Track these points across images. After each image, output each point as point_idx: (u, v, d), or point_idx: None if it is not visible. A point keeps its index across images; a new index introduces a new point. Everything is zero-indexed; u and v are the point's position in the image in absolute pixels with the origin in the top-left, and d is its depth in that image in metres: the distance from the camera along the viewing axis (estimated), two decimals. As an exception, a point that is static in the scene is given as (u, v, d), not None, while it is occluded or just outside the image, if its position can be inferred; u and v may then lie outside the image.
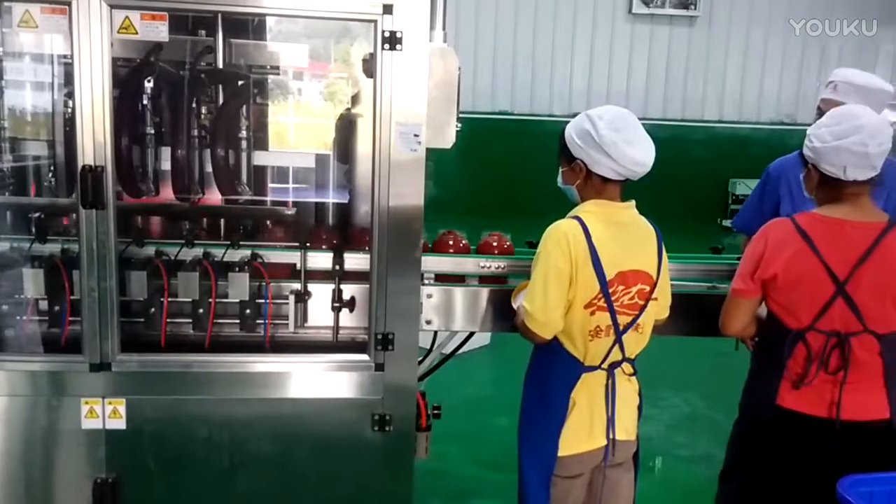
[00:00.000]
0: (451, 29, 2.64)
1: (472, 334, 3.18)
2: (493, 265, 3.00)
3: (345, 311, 2.89)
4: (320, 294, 2.91)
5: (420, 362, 2.97)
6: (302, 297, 2.88)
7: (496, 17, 12.81)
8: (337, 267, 2.85)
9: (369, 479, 2.76)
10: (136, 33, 2.45)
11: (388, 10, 2.45)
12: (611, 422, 2.52)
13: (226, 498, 2.76)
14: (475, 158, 10.64)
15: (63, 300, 2.76)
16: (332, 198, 3.26)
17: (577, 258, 2.40)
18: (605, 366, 2.51)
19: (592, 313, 2.44)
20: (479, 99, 12.50)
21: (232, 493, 2.74)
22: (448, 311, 2.98)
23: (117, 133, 2.53)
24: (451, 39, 2.70)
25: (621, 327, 2.48)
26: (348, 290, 2.90)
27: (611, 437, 2.53)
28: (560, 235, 2.43)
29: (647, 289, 2.51)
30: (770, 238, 2.52)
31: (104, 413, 2.62)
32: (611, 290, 2.44)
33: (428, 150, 2.58)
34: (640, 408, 2.68)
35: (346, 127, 3.16)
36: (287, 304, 2.85)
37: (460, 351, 3.35)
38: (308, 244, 2.91)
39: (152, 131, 2.87)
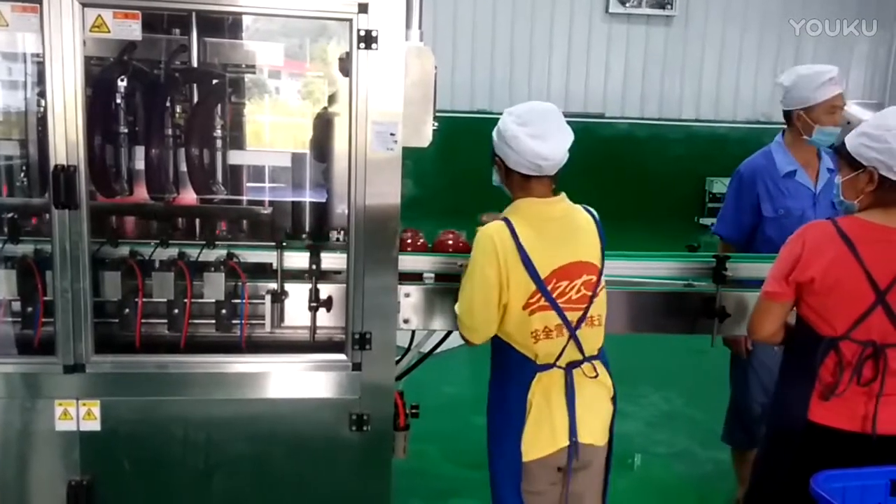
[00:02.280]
0: (429, 27, 2.64)
1: (450, 333, 3.18)
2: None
3: (322, 310, 2.87)
4: (297, 294, 2.90)
5: (398, 361, 2.97)
6: (278, 296, 2.86)
7: (474, 16, 12.83)
8: (314, 266, 2.83)
9: (347, 480, 2.75)
10: (109, 32, 2.43)
11: (363, 8, 2.45)
12: (572, 423, 2.46)
13: (202, 499, 2.74)
14: (454, 157, 10.61)
15: (36, 301, 2.72)
16: (308, 197, 3.25)
17: (507, 261, 2.40)
18: (560, 364, 2.48)
19: (532, 313, 2.43)
20: (457, 98, 12.52)
21: (208, 494, 2.73)
22: (426, 310, 2.97)
23: (90, 132, 2.50)
24: (429, 38, 2.70)
25: (573, 324, 2.46)
26: (325, 290, 2.89)
27: (573, 440, 2.46)
28: (486, 241, 2.44)
29: (594, 278, 2.49)
30: (808, 239, 2.39)
31: (78, 415, 2.60)
32: (551, 287, 2.42)
33: (405, 148, 2.57)
34: (614, 414, 2.62)
35: (323, 126, 3.15)
36: (263, 303, 2.84)
37: (439, 350, 3.35)
38: (284, 243, 2.89)
39: (126, 130, 2.84)
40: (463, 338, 2.59)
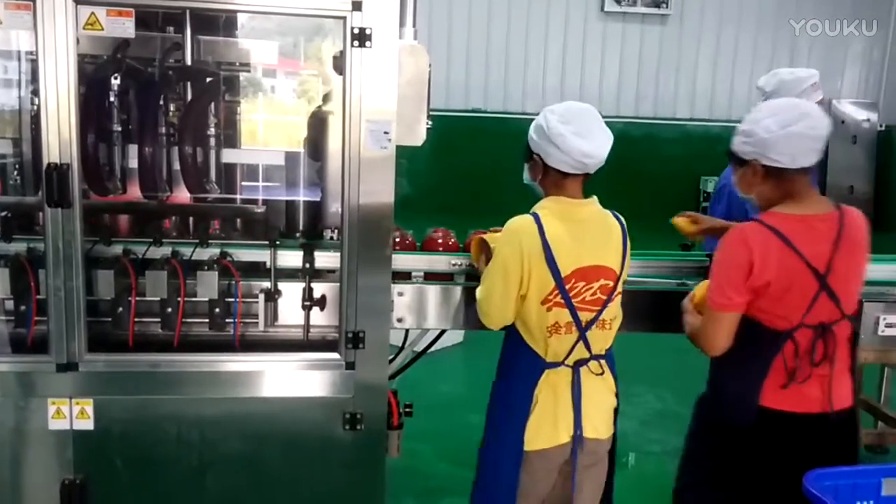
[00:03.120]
0: (424, 26, 2.64)
1: (443, 332, 3.18)
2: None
3: (316, 309, 2.87)
4: (291, 292, 2.90)
5: (392, 360, 2.96)
6: (272, 295, 2.86)
7: (469, 15, 12.82)
8: (307, 265, 2.83)
9: (341, 478, 2.75)
10: (102, 29, 2.42)
11: (357, 6, 2.45)
12: (577, 419, 2.52)
13: (196, 498, 2.74)
14: (449, 156, 10.63)
15: (29, 300, 2.72)
16: (303, 195, 3.25)
17: (531, 255, 2.42)
18: (569, 362, 2.51)
19: (549, 309, 2.46)
20: (452, 96, 12.51)
21: (202, 493, 2.72)
22: (420, 309, 2.97)
23: (83, 130, 2.50)
24: (424, 37, 2.69)
25: (584, 323, 2.49)
26: (319, 289, 2.89)
27: (578, 434, 2.52)
28: (513, 232, 2.47)
29: (610, 284, 2.51)
30: (754, 245, 2.40)
31: (71, 414, 2.59)
32: (569, 287, 2.45)
33: (399, 147, 2.57)
34: (616, 408, 2.67)
35: (317, 125, 3.15)
36: (257, 302, 2.84)
37: (432, 349, 3.35)
38: (278, 242, 2.89)
39: (119, 129, 2.83)
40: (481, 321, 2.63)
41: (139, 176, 2.83)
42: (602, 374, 2.58)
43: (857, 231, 2.48)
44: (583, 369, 2.53)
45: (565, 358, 2.51)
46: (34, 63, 2.44)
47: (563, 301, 2.45)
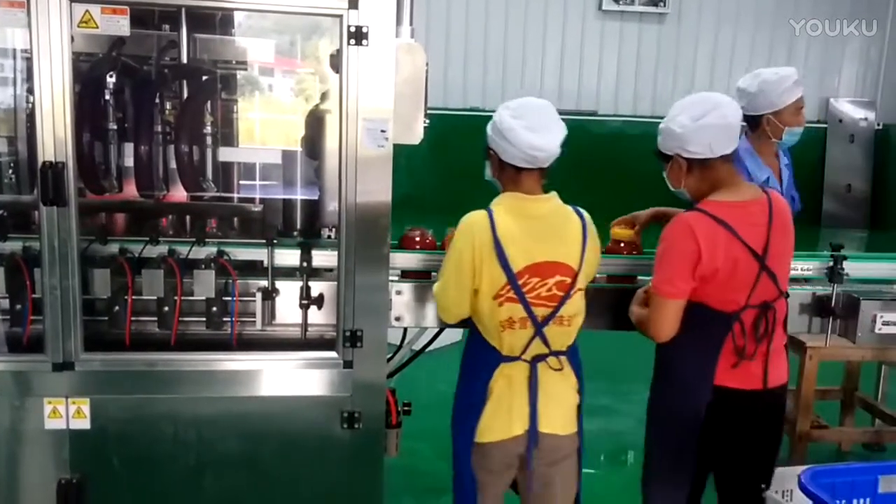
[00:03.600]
0: (421, 25, 2.64)
1: (442, 330, 3.17)
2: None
3: (313, 308, 2.86)
4: (288, 291, 2.89)
5: (390, 359, 2.96)
6: (269, 294, 2.85)
7: (467, 13, 12.80)
8: (305, 263, 2.82)
9: (339, 477, 2.74)
10: (97, 27, 2.41)
11: (353, 4, 2.44)
12: (532, 414, 2.52)
13: (193, 498, 2.73)
14: (447, 154, 10.61)
15: (25, 299, 2.70)
16: (300, 194, 3.24)
17: (482, 249, 2.46)
18: (526, 357, 2.53)
19: (501, 304, 2.48)
20: (450, 95, 12.49)
21: (200, 493, 2.72)
22: (418, 308, 2.97)
23: (79, 129, 2.49)
24: (421, 35, 2.69)
25: (540, 319, 2.49)
26: (317, 287, 2.88)
27: (533, 429, 2.53)
28: (467, 227, 2.50)
29: (567, 280, 2.51)
30: (700, 234, 2.50)
31: (68, 413, 2.58)
32: (522, 282, 2.46)
33: (397, 146, 2.57)
34: (580, 406, 2.66)
35: (315, 123, 3.14)
36: (254, 301, 2.83)
37: (431, 347, 3.34)
38: (275, 240, 2.88)
39: (115, 127, 2.83)
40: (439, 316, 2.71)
41: (135, 174, 2.83)
42: (561, 369, 2.58)
43: (784, 214, 2.63)
44: (540, 365, 2.54)
45: (522, 353, 2.52)
46: (29, 61, 2.43)
47: (515, 296, 2.47)
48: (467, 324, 2.64)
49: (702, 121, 2.53)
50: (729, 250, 2.51)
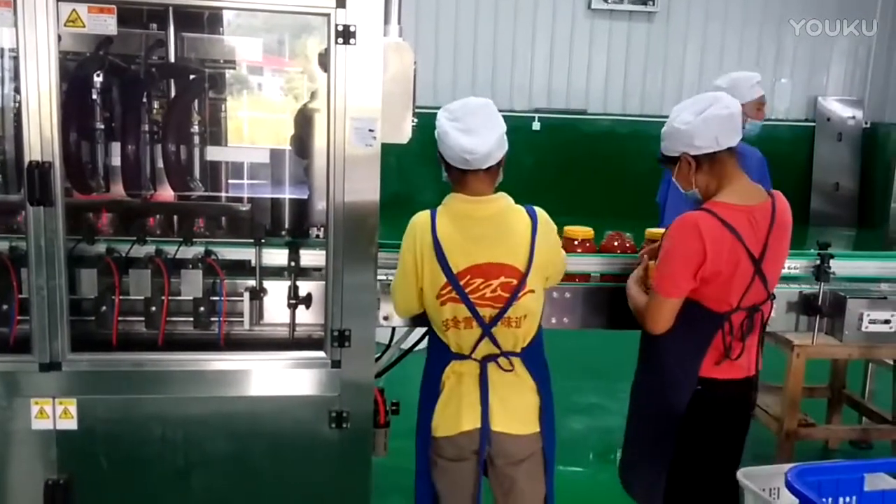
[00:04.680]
0: (411, 24, 2.64)
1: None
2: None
3: (301, 307, 2.86)
4: (276, 291, 2.88)
5: (378, 358, 2.96)
6: (257, 293, 2.85)
7: (457, 13, 12.81)
8: (293, 263, 2.82)
9: (327, 477, 2.74)
10: (84, 26, 2.40)
11: (341, 3, 2.44)
12: (484, 412, 2.55)
13: (181, 498, 2.72)
14: (437, 153, 10.65)
15: (11, 299, 2.69)
16: (289, 193, 3.23)
17: (422, 249, 2.51)
18: (476, 356, 2.55)
19: (443, 303, 2.52)
20: (440, 94, 12.47)
21: (188, 493, 2.71)
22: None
23: (65, 128, 2.48)
24: (411, 34, 2.69)
25: (487, 320, 2.51)
26: (305, 287, 2.87)
27: (486, 427, 2.54)
28: (410, 228, 2.57)
29: (514, 282, 2.51)
30: (707, 237, 2.51)
31: (55, 413, 2.57)
32: (464, 283, 2.49)
33: (387, 145, 2.57)
34: (542, 407, 2.64)
35: (304, 122, 3.13)
36: (242, 301, 2.82)
37: (419, 346, 3.34)
38: (263, 240, 2.87)
39: (102, 126, 2.82)
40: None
41: (122, 174, 2.82)
42: (511, 370, 2.57)
43: (785, 215, 2.65)
44: (491, 365, 2.56)
45: (472, 352, 2.56)
46: (16, 60, 2.42)
47: (457, 296, 2.50)
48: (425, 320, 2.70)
49: (705, 114, 2.56)
50: (732, 254, 2.52)
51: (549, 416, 2.67)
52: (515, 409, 2.60)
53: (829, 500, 2.27)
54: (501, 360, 2.56)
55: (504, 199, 2.59)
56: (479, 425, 2.56)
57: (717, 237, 2.51)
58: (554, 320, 3.06)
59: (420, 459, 2.72)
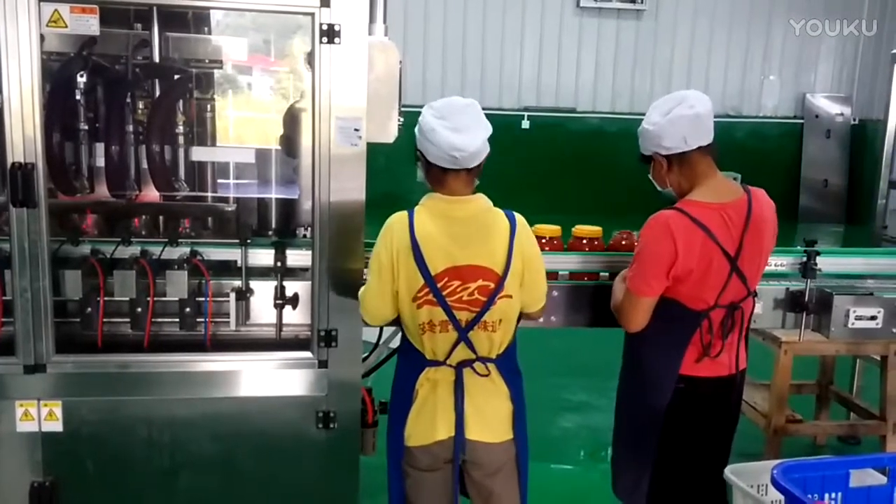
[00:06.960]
0: (399, 22, 2.64)
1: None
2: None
3: (288, 307, 2.85)
4: (263, 291, 2.88)
5: (365, 358, 2.95)
6: (243, 294, 2.84)
7: (445, 11, 12.80)
8: (279, 263, 2.81)
9: (315, 478, 2.74)
10: (66, 27, 2.39)
11: (325, 3, 2.44)
12: (458, 420, 2.48)
13: (168, 500, 2.72)
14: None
15: (-5, 301, 2.68)
16: (275, 193, 3.22)
17: (399, 251, 2.41)
18: (451, 362, 2.48)
19: (420, 306, 2.43)
20: (428, 92, 12.46)
21: (174, 495, 2.70)
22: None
23: (48, 129, 2.47)
24: (399, 33, 2.69)
25: (463, 324, 2.44)
26: (292, 287, 2.87)
27: (461, 435, 2.47)
28: (387, 227, 2.47)
29: (491, 285, 2.45)
30: (678, 235, 2.51)
31: (40, 416, 2.57)
32: (441, 285, 2.41)
33: (376, 145, 2.56)
34: (516, 415, 2.58)
35: (290, 122, 3.13)
36: (228, 301, 2.81)
37: (407, 346, 3.33)
38: (249, 240, 2.86)
39: (86, 127, 2.81)
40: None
41: (107, 175, 2.81)
42: (487, 375, 2.51)
43: (763, 211, 2.63)
44: (466, 370, 2.48)
45: (447, 357, 2.47)
46: (-1, 61, 2.41)
47: (434, 299, 2.42)
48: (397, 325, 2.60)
49: (670, 115, 2.57)
50: (704, 252, 2.53)
51: (522, 424, 2.61)
52: (490, 416, 2.53)
53: (815, 496, 2.27)
54: (477, 365, 2.48)
55: (483, 199, 2.54)
56: (453, 433, 2.48)
57: (688, 236, 2.51)
58: (554, 319, 3.07)
59: (392, 472, 2.61)
